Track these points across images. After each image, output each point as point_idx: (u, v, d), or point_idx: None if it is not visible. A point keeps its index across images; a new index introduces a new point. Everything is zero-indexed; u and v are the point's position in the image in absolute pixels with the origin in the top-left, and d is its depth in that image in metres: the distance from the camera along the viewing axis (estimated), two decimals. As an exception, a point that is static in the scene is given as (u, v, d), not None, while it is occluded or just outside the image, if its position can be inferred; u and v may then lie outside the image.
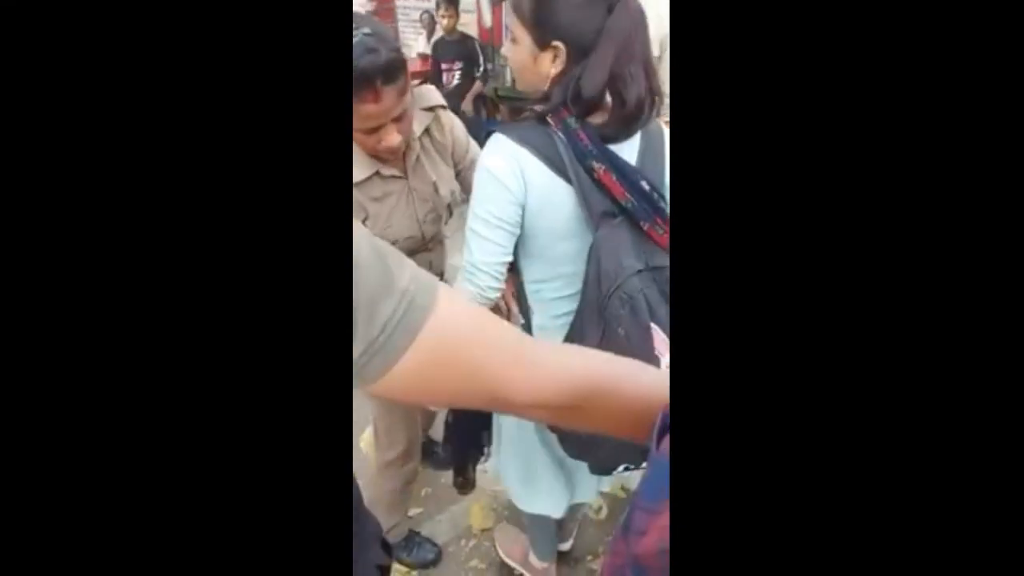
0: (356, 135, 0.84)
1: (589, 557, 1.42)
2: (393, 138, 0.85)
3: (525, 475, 1.00)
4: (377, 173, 0.93)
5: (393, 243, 0.95)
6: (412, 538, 1.42)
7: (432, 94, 1.05)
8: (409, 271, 0.40)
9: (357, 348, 0.40)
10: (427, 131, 1.01)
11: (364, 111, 0.80)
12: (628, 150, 0.79)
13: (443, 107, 1.04)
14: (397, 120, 0.84)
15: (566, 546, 1.40)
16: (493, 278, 0.80)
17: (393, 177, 0.96)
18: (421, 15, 4.67)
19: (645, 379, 0.48)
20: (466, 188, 1.14)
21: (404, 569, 1.39)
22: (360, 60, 0.75)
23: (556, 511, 1.06)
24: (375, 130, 0.83)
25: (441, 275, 1.17)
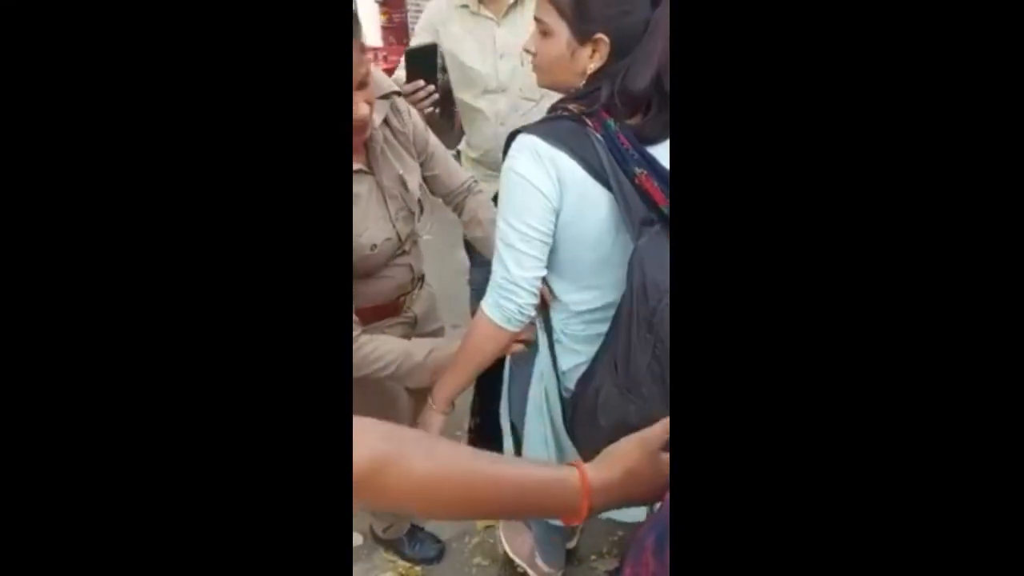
0: None
1: (593, 557, 1.42)
2: (360, 108, 0.79)
3: None
4: None
5: (372, 248, 0.90)
6: (415, 534, 1.41)
7: (385, 81, 0.97)
8: None
9: None
10: (386, 121, 0.95)
11: None
12: (663, 152, 0.76)
13: (398, 94, 0.98)
14: (361, 88, 0.79)
15: (571, 545, 1.40)
16: (532, 295, 0.75)
17: (360, 172, 0.90)
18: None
19: (430, 450, 0.47)
20: (434, 188, 1.07)
21: (407, 565, 1.38)
22: None
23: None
24: None
25: (422, 278, 1.10)
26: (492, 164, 1.36)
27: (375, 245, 0.91)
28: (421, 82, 1.07)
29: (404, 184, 0.95)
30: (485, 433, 1.41)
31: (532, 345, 0.89)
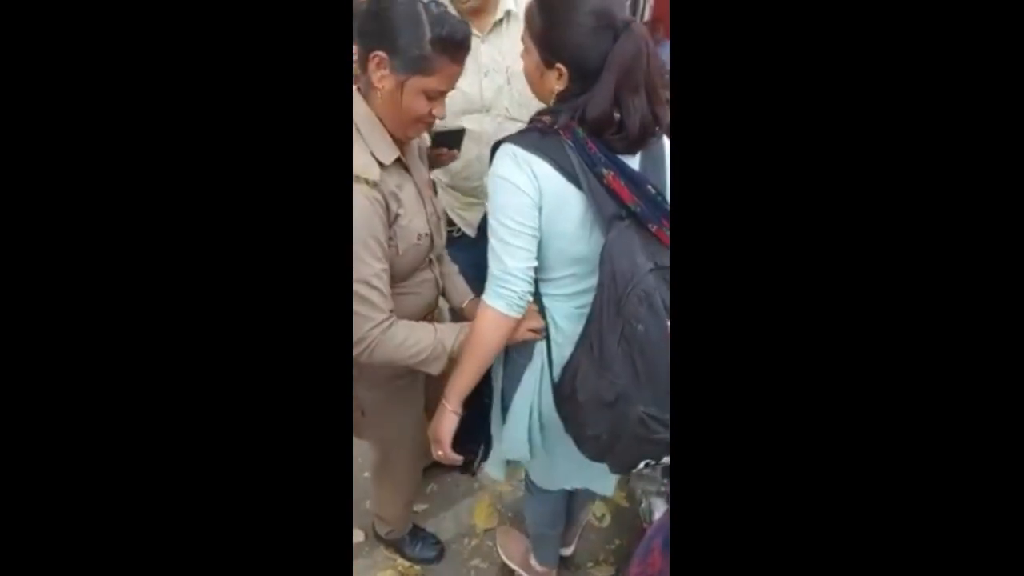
0: (416, 102, 0.85)
1: (590, 564, 1.43)
2: (443, 108, 0.88)
3: (546, 459, 1.01)
4: (399, 159, 0.91)
5: (419, 237, 0.94)
6: (416, 533, 1.43)
7: None
8: None
9: None
10: None
11: (452, 72, 0.84)
12: (630, 158, 0.82)
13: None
14: (450, 90, 0.88)
15: (567, 551, 1.41)
16: (527, 283, 0.82)
17: (403, 167, 0.94)
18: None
19: None
20: None
21: (407, 564, 1.41)
22: (459, 26, 0.81)
23: (602, 489, 1.07)
24: (442, 94, 0.86)
25: (443, 290, 1.12)
26: (468, 189, 1.30)
27: (421, 235, 0.95)
28: (444, 149, 1.09)
29: (435, 189, 1.01)
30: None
31: (541, 334, 0.92)
